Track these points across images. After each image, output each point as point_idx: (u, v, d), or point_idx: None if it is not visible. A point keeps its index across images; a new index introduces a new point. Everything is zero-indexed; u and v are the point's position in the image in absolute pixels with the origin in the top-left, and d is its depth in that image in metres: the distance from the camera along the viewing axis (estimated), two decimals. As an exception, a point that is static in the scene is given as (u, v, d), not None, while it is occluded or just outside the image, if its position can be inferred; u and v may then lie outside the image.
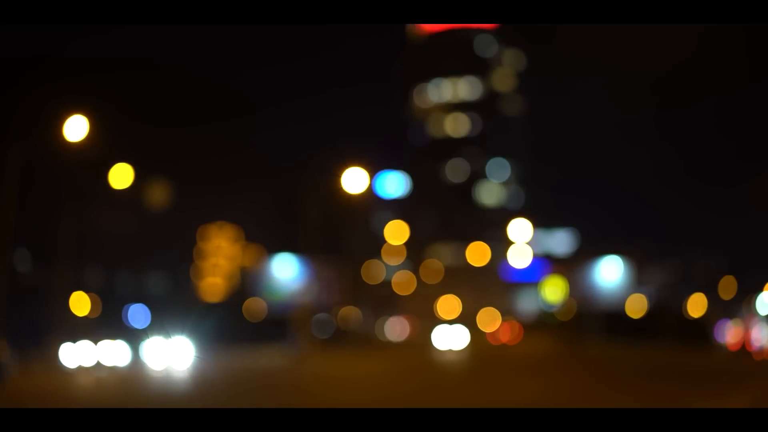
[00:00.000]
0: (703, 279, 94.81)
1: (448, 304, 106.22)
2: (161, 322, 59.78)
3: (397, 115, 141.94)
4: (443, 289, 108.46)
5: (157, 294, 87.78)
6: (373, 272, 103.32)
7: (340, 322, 70.08)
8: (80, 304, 60.64)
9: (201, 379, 29.67)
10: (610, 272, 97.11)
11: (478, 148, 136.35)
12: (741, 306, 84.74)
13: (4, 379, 26.10)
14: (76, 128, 29.36)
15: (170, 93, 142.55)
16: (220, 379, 29.44)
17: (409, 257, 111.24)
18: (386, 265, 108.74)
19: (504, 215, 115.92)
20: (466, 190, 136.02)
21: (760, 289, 75.58)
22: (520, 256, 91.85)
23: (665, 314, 77.16)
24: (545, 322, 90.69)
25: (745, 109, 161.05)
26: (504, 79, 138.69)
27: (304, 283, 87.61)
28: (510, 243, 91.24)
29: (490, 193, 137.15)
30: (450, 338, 55.65)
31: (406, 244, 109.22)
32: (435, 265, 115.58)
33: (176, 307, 71.35)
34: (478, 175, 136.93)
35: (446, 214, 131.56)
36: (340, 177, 41.59)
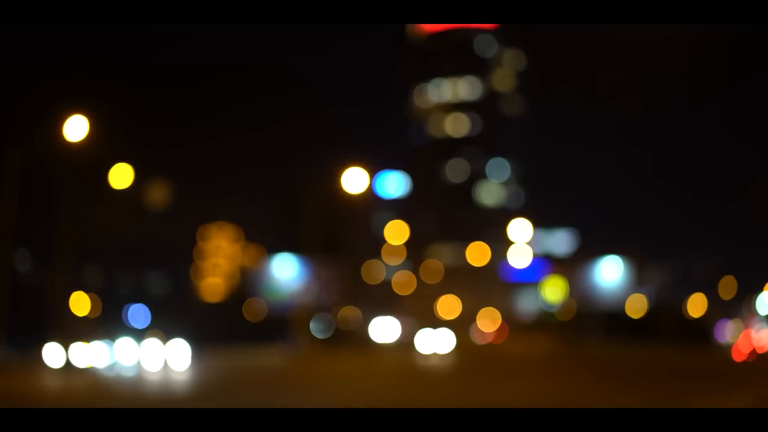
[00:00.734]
0: (703, 279, 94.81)
1: (448, 304, 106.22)
2: (158, 323, 59.80)
3: (397, 115, 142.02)
4: (443, 289, 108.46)
5: (157, 294, 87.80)
6: (373, 272, 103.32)
7: (339, 322, 70.08)
8: (80, 304, 60.64)
9: (197, 379, 29.58)
10: (610, 272, 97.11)
11: (478, 148, 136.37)
12: (741, 306, 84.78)
13: None
14: (76, 128, 29.36)
15: (170, 93, 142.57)
16: (217, 380, 29.38)
17: (409, 257, 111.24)
18: (386, 265, 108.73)
19: (504, 215, 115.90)
20: (466, 190, 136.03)
21: (760, 289, 75.61)
22: (520, 256, 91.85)
23: (665, 314, 77.18)
24: (545, 322, 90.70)
25: (745, 109, 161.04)
26: (504, 79, 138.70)
27: (304, 283, 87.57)
28: (510, 243, 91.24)
29: (490, 193, 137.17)
30: (435, 341, 54.30)
31: (406, 244, 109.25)
32: (435, 265, 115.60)
33: (176, 307, 71.36)
34: (478, 175, 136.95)
35: (446, 214, 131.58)
36: (340, 177, 41.61)
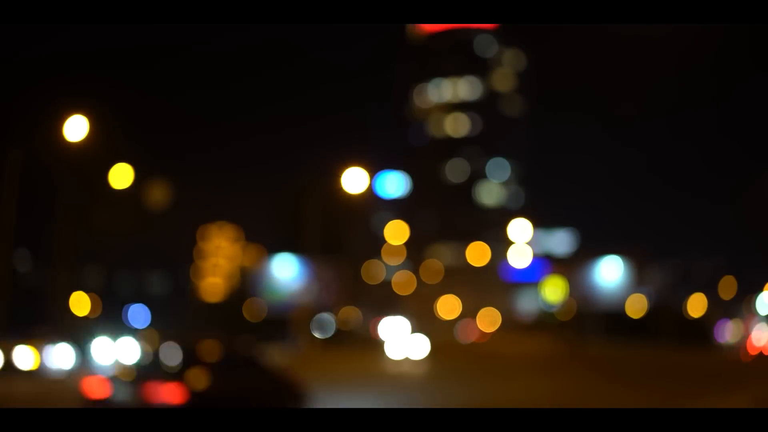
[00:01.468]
0: (703, 279, 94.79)
1: (448, 304, 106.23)
2: (155, 323, 59.77)
3: (397, 115, 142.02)
4: (443, 289, 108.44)
5: (157, 294, 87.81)
6: (373, 272, 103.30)
7: (340, 322, 70.08)
8: (80, 304, 60.64)
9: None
10: (610, 272, 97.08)
11: (478, 148, 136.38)
12: (741, 306, 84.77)
13: None
14: (76, 128, 29.36)
15: (171, 93, 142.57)
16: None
17: (409, 257, 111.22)
18: (386, 265, 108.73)
19: (504, 215, 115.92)
20: (466, 190, 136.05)
21: (760, 289, 75.62)
22: (520, 256, 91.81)
23: (665, 314, 77.20)
24: (545, 322, 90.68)
25: (745, 109, 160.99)
26: (504, 79, 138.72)
27: (304, 283, 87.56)
28: (510, 243, 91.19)
29: (490, 193, 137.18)
30: (408, 346, 48.74)
31: (406, 244, 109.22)
32: (435, 265, 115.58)
33: (175, 307, 71.38)
34: (478, 175, 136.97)
35: (446, 214, 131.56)
36: (340, 177, 41.60)
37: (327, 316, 68.68)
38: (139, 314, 67.70)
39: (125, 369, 18.33)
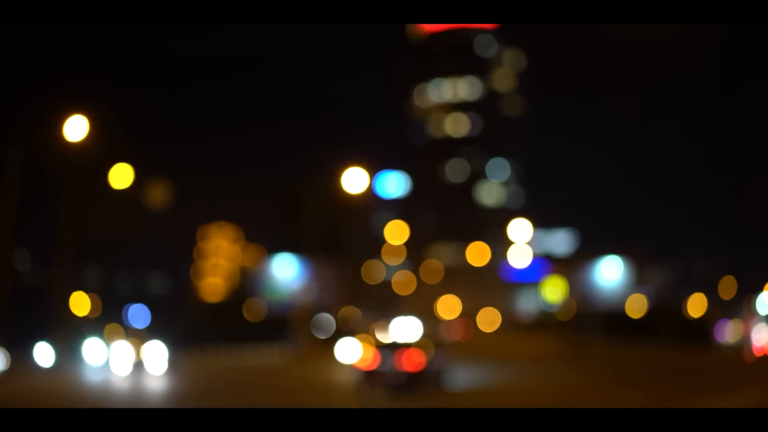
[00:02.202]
0: (703, 279, 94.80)
1: (448, 304, 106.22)
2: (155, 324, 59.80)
3: (397, 115, 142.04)
4: (443, 289, 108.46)
5: (157, 294, 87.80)
6: (373, 272, 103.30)
7: (340, 322, 70.05)
8: (80, 304, 60.63)
9: (167, 384, 28.74)
10: (610, 272, 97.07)
11: (478, 148, 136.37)
12: (741, 306, 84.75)
13: None
14: (76, 128, 29.35)
15: (171, 93, 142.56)
16: (190, 383, 28.69)
17: (409, 257, 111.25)
18: (386, 265, 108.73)
19: (504, 215, 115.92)
20: (466, 190, 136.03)
21: (760, 289, 75.60)
22: (520, 256, 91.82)
23: (665, 314, 77.18)
24: (545, 322, 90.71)
25: (746, 109, 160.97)
26: (504, 79, 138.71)
27: (304, 283, 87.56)
28: (510, 243, 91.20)
29: (490, 193, 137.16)
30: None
31: (406, 244, 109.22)
32: (435, 265, 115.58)
33: (175, 308, 71.37)
34: (478, 175, 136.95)
35: (446, 214, 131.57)
36: (340, 177, 41.58)
37: (327, 316, 68.68)
38: (139, 314, 67.69)
39: (384, 342, 28.22)
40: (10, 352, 33.23)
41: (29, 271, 60.96)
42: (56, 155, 36.17)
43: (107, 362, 34.86)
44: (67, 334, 36.65)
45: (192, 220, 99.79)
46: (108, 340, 36.44)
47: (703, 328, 76.31)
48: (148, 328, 44.75)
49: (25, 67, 49.05)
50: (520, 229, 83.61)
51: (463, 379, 30.04)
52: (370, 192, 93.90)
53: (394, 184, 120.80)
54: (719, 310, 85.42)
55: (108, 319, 52.46)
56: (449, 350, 32.10)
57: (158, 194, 68.32)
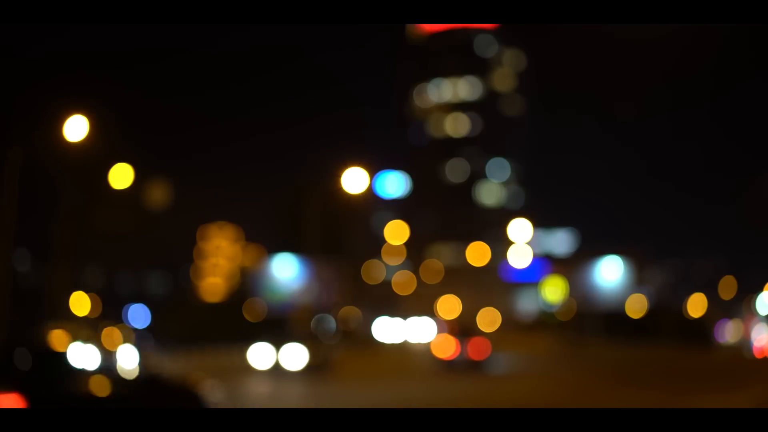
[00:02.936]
0: (703, 279, 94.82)
1: (448, 304, 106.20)
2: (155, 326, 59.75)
3: (397, 115, 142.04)
4: (443, 289, 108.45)
5: (157, 294, 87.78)
6: (373, 272, 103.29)
7: (340, 322, 70.06)
8: (80, 304, 60.64)
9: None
10: (610, 272, 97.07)
11: (478, 148, 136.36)
12: (741, 306, 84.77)
13: None
14: (76, 128, 29.36)
15: (171, 93, 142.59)
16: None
17: (409, 257, 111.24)
18: (386, 265, 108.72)
19: (504, 215, 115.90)
20: (466, 190, 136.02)
21: (760, 289, 75.60)
22: (520, 256, 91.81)
23: (665, 314, 77.19)
24: (545, 322, 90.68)
25: (744, 110, 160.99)
26: (504, 79, 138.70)
27: (304, 283, 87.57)
28: (510, 243, 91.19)
29: (490, 193, 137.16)
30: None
31: (406, 244, 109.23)
32: (435, 265, 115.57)
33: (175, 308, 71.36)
34: (478, 175, 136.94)
35: (446, 214, 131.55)
36: (340, 177, 41.56)
37: (327, 316, 68.67)
38: (139, 314, 67.70)
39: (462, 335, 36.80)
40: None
41: (29, 271, 60.97)
42: (56, 155, 36.16)
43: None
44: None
45: (192, 220, 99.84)
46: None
47: (703, 328, 76.33)
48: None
49: (25, 67, 49.07)
50: (520, 229, 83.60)
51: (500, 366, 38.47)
52: (370, 192, 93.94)
53: (394, 184, 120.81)
54: (719, 310, 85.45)
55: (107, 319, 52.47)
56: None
57: (158, 194, 68.33)
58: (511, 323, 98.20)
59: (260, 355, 36.28)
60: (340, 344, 54.97)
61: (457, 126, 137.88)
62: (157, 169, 68.49)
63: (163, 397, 15.09)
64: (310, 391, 26.43)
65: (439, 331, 61.34)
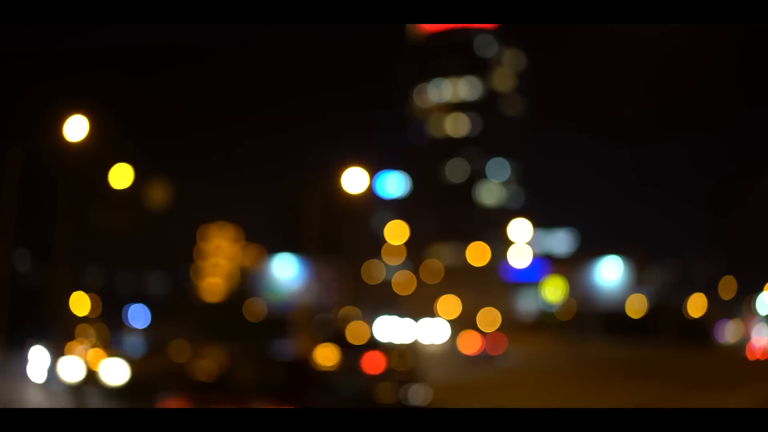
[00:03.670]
0: (703, 279, 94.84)
1: (448, 304, 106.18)
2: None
3: (397, 115, 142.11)
4: (443, 289, 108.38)
5: (157, 294, 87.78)
6: (373, 272, 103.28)
7: (340, 322, 70.03)
8: (80, 304, 60.63)
9: None
10: (610, 272, 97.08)
11: (478, 148, 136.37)
12: (741, 306, 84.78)
13: None
14: (76, 128, 29.34)
15: (171, 93, 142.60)
16: None
17: (409, 257, 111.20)
18: (386, 265, 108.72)
19: (504, 215, 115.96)
20: (466, 190, 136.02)
21: (760, 289, 75.63)
22: (520, 256, 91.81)
23: (665, 314, 77.20)
24: (545, 322, 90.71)
25: (745, 108, 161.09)
26: (504, 79, 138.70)
27: (304, 283, 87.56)
28: (510, 243, 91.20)
29: (490, 193, 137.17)
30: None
31: (406, 244, 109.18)
32: (435, 265, 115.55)
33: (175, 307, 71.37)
34: (478, 175, 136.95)
35: (446, 214, 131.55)
36: (340, 177, 41.52)
37: (327, 316, 68.69)
38: (139, 314, 67.69)
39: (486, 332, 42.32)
40: (8, 352, 33.17)
41: (29, 271, 60.97)
42: (56, 155, 36.16)
43: None
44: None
45: (192, 220, 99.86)
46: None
47: (703, 328, 76.36)
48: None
49: (26, 66, 49.07)
50: (520, 229, 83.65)
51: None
52: (370, 192, 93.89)
53: (394, 184, 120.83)
54: (719, 310, 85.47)
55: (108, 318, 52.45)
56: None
57: (158, 194, 68.34)
58: (511, 323, 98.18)
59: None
60: None
61: (457, 126, 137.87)
62: (157, 169, 68.50)
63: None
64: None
65: (453, 331, 61.99)
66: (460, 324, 77.18)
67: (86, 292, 64.09)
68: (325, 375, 17.81)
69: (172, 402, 14.87)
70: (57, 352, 30.49)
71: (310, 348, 27.18)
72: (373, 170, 75.36)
